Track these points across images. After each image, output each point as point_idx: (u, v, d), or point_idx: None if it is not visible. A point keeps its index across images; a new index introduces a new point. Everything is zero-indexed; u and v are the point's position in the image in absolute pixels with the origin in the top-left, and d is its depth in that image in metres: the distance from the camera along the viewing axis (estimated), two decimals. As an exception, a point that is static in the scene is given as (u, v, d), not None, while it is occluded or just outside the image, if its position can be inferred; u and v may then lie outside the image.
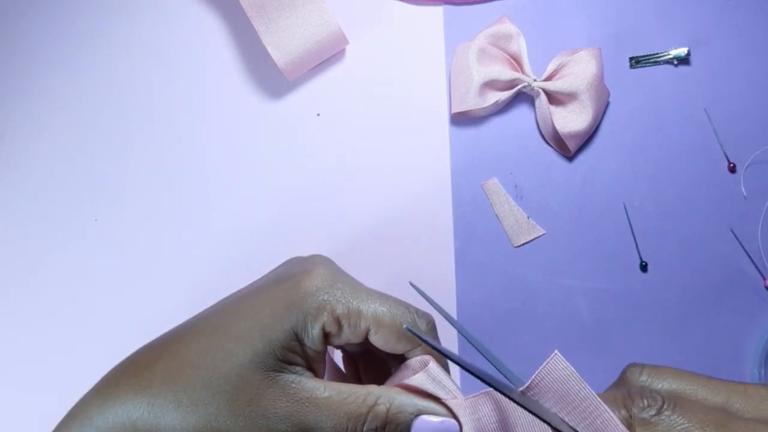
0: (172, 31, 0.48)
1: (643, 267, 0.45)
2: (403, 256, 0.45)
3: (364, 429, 0.30)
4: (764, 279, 0.45)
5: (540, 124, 0.47)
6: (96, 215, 0.46)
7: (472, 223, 0.46)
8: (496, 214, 0.46)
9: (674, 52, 0.47)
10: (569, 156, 0.46)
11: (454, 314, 0.46)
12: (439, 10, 0.48)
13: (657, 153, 0.46)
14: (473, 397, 0.30)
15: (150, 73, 0.47)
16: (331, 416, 0.30)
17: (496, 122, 0.47)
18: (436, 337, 0.34)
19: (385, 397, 0.30)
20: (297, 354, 0.31)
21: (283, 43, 0.44)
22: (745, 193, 0.46)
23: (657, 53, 0.47)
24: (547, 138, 0.47)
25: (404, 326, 0.30)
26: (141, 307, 0.46)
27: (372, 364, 0.36)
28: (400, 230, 0.46)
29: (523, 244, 0.46)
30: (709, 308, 0.45)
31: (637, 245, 0.46)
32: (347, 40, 0.46)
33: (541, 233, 0.46)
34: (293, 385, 0.30)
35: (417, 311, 0.33)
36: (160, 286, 0.46)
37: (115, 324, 0.46)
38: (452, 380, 0.31)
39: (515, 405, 0.28)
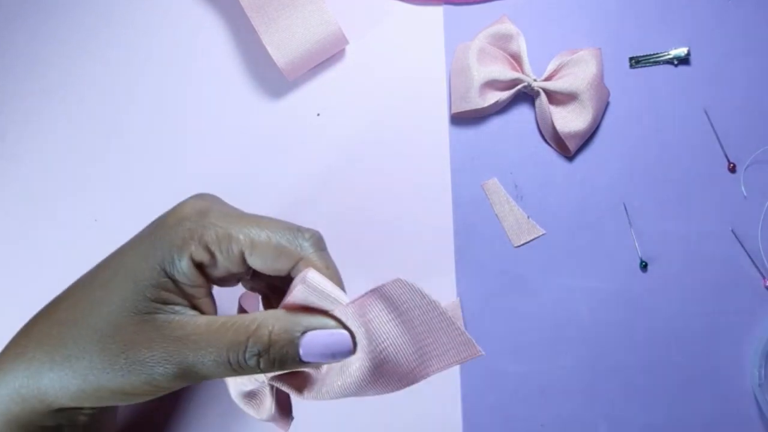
0: (172, 31, 0.48)
1: (643, 267, 0.45)
2: (403, 256, 0.45)
3: (246, 356, 0.27)
4: (764, 279, 0.45)
5: (540, 124, 0.47)
6: (96, 215, 0.46)
7: (472, 223, 0.46)
8: (496, 214, 0.46)
9: (674, 52, 0.47)
10: (569, 156, 0.46)
11: (454, 314, 0.46)
12: (439, 10, 0.48)
13: (657, 153, 0.46)
14: (359, 299, 0.28)
15: (150, 74, 0.47)
16: (210, 350, 0.27)
17: (496, 122, 0.47)
18: (322, 250, 0.31)
19: (268, 320, 0.28)
20: (171, 292, 0.29)
21: (283, 43, 0.44)
22: (745, 193, 0.46)
23: (657, 53, 0.47)
24: (547, 138, 0.47)
25: (281, 241, 0.29)
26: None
27: None
28: (400, 230, 0.46)
29: (523, 244, 0.46)
30: (709, 308, 0.45)
31: (637, 245, 0.46)
32: (347, 40, 0.46)
33: (541, 233, 0.46)
34: (169, 324, 0.28)
35: (299, 228, 0.31)
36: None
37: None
38: (337, 287, 0.29)
39: (408, 297, 0.27)
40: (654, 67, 0.47)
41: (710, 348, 0.45)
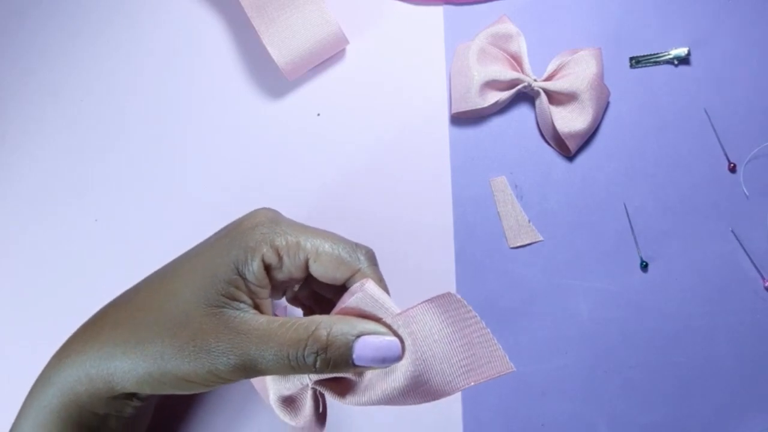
0: (172, 31, 0.48)
1: (644, 267, 0.45)
2: (403, 256, 0.45)
3: (305, 354, 0.29)
4: (764, 279, 0.45)
5: (540, 124, 0.47)
6: (96, 215, 0.46)
7: (472, 223, 0.46)
8: (498, 212, 0.46)
9: (674, 52, 0.47)
10: (569, 156, 0.46)
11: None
12: (439, 10, 0.48)
13: (657, 153, 0.46)
14: (408, 309, 0.30)
15: (150, 74, 0.47)
16: (272, 345, 0.30)
17: (496, 122, 0.47)
18: (376, 265, 0.34)
19: (326, 323, 0.30)
20: (240, 290, 0.31)
21: (283, 43, 0.44)
22: (746, 193, 0.46)
23: (657, 53, 0.47)
24: (547, 138, 0.47)
25: (342, 254, 0.32)
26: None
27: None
28: (400, 230, 0.46)
29: (519, 247, 0.46)
30: (709, 308, 0.45)
31: (637, 245, 0.46)
32: (347, 40, 0.46)
33: (538, 239, 0.46)
34: (235, 319, 0.30)
35: (356, 243, 0.34)
36: (160, 286, 0.46)
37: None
38: (389, 298, 0.31)
39: (454, 310, 0.29)
40: (654, 67, 0.47)
41: (710, 348, 0.45)
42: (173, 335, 0.30)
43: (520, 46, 0.46)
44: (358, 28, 0.47)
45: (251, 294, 0.32)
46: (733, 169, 0.46)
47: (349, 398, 0.31)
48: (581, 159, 0.47)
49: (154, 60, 0.47)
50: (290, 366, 0.30)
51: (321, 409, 0.35)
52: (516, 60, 0.46)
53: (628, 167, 0.46)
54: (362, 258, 0.33)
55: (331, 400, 0.32)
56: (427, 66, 0.47)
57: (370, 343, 0.29)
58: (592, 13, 0.47)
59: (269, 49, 0.44)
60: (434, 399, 0.30)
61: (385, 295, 0.31)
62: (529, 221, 0.46)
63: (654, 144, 0.46)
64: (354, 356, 0.29)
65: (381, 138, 0.47)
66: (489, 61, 0.45)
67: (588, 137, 0.46)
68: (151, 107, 0.47)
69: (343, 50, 0.48)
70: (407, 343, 0.30)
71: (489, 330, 0.29)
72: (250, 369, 0.30)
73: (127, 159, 0.47)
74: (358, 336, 0.29)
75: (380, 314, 0.30)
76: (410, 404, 0.30)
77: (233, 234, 0.32)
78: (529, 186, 0.46)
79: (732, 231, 0.45)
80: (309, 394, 0.33)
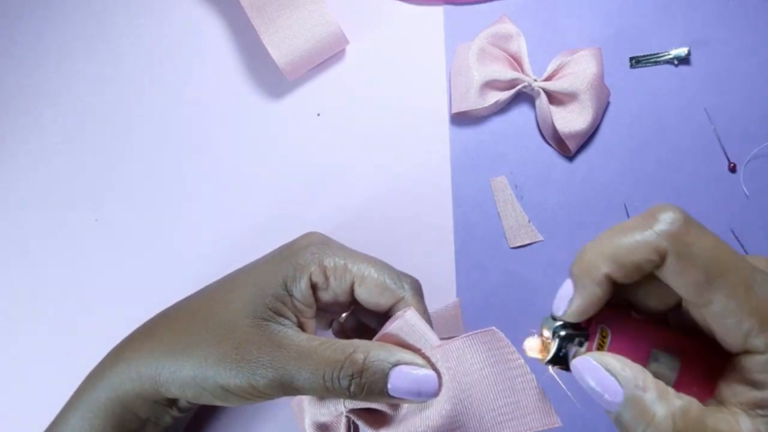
0: (172, 31, 0.48)
1: (643, 267, 0.45)
2: (403, 256, 0.45)
3: (341, 375, 0.29)
4: (764, 279, 0.45)
5: (540, 124, 0.47)
6: (96, 215, 0.46)
7: (472, 223, 0.46)
8: (498, 212, 0.46)
9: (674, 52, 0.47)
10: (569, 156, 0.46)
11: (454, 314, 0.46)
12: (439, 10, 0.48)
13: (657, 153, 0.46)
14: (449, 343, 0.29)
15: (150, 74, 0.47)
16: (310, 363, 0.30)
17: (496, 122, 0.47)
18: (420, 296, 0.34)
19: (364, 347, 0.30)
20: (287, 306, 0.32)
21: (283, 43, 0.44)
22: (746, 193, 0.46)
23: (657, 53, 0.47)
24: (547, 138, 0.47)
25: (387, 281, 0.32)
26: (141, 306, 0.45)
27: None
28: (400, 230, 0.46)
29: (519, 247, 0.46)
30: (710, 308, 0.45)
31: (637, 245, 0.45)
32: (347, 40, 0.46)
33: (538, 239, 0.46)
34: (278, 333, 0.31)
35: (403, 273, 0.34)
36: (161, 286, 0.46)
37: (116, 324, 0.46)
38: (430, 329, 0.31)
39: (497, 350, 0.28)
40: (654, 67, 0.47)
41: (710, 348, 0.45)
42: (219, 342, 0.31)
43: (520, 46, 0.46)
44: (358, 28, 0.47)
45: (297, 312, 0.33)
46: (733, 169, 0.46)
47: (382, 431, 0.30)
48: (581, 159, 0.47)
49: (154, 60, 0.47)
50: (325, 387, 0.30)
51: None
52: (516, 60, 0.46)
53: (628, 167, 0.46)
54: (407, 287, 0.34)
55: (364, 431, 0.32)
56: (427, 66, 0.47)
57: (406, 374, 0.29)
58: (592, 13, 0.47)
59: (269, 49, 0.44)
60: None
61: (426, 325, 0.31)
62: (529, 221, 0.46)
63: (654, 144, 0.46)
64: (389, 386, 0.29)
65: (381, 138, 0.47)
66: (489, 61, 0.45)
67: (588, 137, 0.46)
68: (151, 107, 0.47)
69: (343, 50, 0.48)
70: (445, 378, 0.29)
71: (534, 376, 0.28)
72: (287, 385, 0.30)
73: (127, 159, 0.47)
74: (395, 365, 0.29)
75: (420, 345, 0.30)
76: None
77: (286, 253, 0.34)
78: (529, 186, 0.46)
79: (732, 231, 0.45)
80: (343, 423, 0.32)
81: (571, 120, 0.45)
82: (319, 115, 0.47)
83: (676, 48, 0.47)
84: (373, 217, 0.46)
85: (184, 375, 0.32)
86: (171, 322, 0.35)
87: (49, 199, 0.46)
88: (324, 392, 0.30)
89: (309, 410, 0.33)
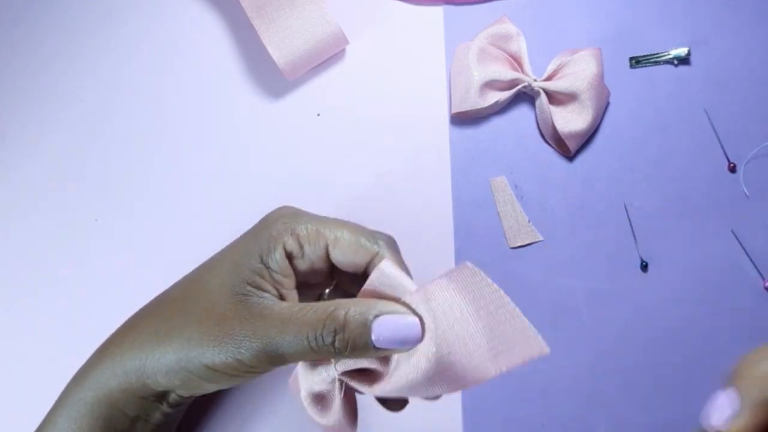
0: (172, 31, 0.48)
1: (644, 267, 0.45)
2: (403, 256, 0.45)
3: (324, 333, 0.29)
4: (764, 280, 0.45)
5: (540, 124, 0.47)
6: (96, 215, 0.46)
7: (473, 223, 0.46)
8: (498, 212, 0.46)
9: (674, 52, 0.47)
10: (569, 156, 0.46)
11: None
12: (439, 10, 0.48)
13: (657, 153, 0.46)
14: (426, 285, 0.29)
15: (150, 73, 0.47)
16: (292, 327, 0.30)
17: (496, 122, 0.47)
18: (395, 250, 0.35)
19: (344, 303, 0.30)
20: (265, 279, 0.32)
21: (283, 43, 0.44)
22: (746, 193, 0.46)
23: (657, 53, 0.47)
24: (547, 138, 0.47)
25: (361, 239, 0.33)
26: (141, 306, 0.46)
27: None
28: (400, 230, 0.46)
29: (519, 247, 0.46)
30: (709, 308, 0.45)
31: (637, 245, 0.46)
32: (347, 40, 0.46)
33: (538, 239, 0.46)
34: (258, 305, 0.31)
35: (377, 231, 0.35)
36: (161, 287, 0.45)
37: (116, 324, 0.46)
38: (407, 277, 0.31)
39: (475, 285, 0.27)
40: (654, 67, 0.47)
41: (710, 348, 0.45)
42: (199, 322, 0.31)
43: (520, 46, 0.46)
44: (358, 28, 0.47)
45: (276, 284, 0.33)
46: (733, 169, 0.46)
47: (376, 387, 0.30)
48: (581, 159, 0.47)
49: (153, 60, 0.47)
50: (310, 348, 0.30)
51: (352, 406, 0.34)
52: (516, 60, 0.46)
53: (628, 167, 0.46)
54: (381, 243, 0.34)
55: (361, 399, 0.31)
56: (427, 66, 0.47)
57: (388, 323, 0.29)
58: (592, 13, 0.47)
59: (269, 49, 0.44)
60: (464, 387, 0.28)
61: (403, 274, 0.31)
62: (529, 221, 0.46)
63: (654, 144, 0.46)
64: (373, 337, 0.29)
65: (381, 138, 0.47)
66: (489, 61, 0.45)
67: (588, 137, 0.46)
68: (151, 107, 0.47)
69: (343, 50, 0.48)
70: (427, 321, 0.28)
71: (516, 306, 0.27)
72: (273, 354, 0.30)
73: (127, 159, 0.47)
74: (377, 316, 0.29)
75: (398, 293, 0.30)
76: (439, 393, 0.28)
77: (258, 228, 0.34)
78: (529, 186, 0.46)
79: (732, 231, 0.45)
80: (337, 388, 0.32)
81: (571, 120, 0.45)
82: (319, 115, 0.47)
83: (676, 48, 0.47)
84: (373, 216, 0.46)
85: (168, 360, 0.32)
86: (152, 312, 0.35)
87: (49, 199, 0.46)
88: (311, 354, 0.30)
89: (303, 382, 0.33)
